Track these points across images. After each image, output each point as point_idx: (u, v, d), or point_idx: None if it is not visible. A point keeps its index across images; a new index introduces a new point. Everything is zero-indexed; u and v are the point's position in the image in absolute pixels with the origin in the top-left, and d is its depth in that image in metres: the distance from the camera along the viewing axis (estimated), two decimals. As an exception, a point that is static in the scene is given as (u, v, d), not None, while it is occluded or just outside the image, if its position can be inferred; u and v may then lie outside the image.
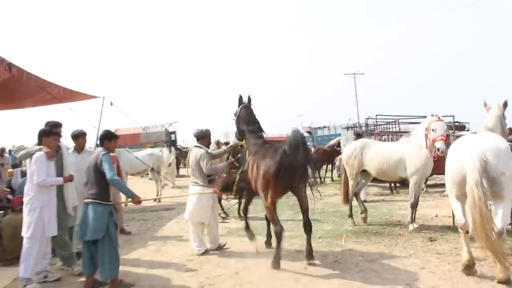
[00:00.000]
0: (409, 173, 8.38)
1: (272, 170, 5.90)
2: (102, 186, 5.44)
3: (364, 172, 9.32)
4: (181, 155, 28.44)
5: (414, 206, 8.41)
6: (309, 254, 6.29)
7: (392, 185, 14.75)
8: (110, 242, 5.40)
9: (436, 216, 9.77)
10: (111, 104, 13.05)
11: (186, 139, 40.83)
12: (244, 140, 7.29)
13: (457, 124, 16.19)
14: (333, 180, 19.19)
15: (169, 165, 16.42)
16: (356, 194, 9.55)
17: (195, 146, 7.31)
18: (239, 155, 7.92)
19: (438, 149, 7.70)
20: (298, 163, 5.83)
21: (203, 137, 7.36)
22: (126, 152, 13.55)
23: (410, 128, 18.49)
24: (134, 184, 16.73)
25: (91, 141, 10.27)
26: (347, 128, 21.80)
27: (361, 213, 9.30)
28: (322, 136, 32.32)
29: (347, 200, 9.52)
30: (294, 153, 5.78)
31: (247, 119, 7.09)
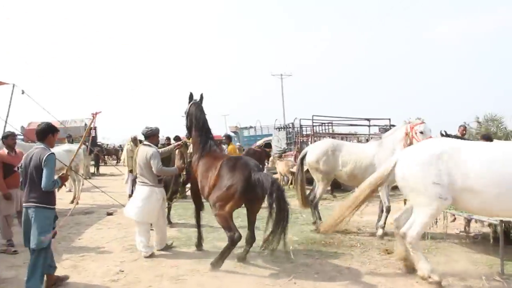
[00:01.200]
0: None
1: (240, 186, 5.85)
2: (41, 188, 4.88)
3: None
4: (102, 153, 26.55)
5: (388, 210, 8.01)
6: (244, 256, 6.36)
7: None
8: (43, 251, 4.95)
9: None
10: (23, 93, 11.47)
11: (107, 136, 38.61)
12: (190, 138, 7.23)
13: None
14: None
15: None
16: (317, 203, 8.90)
17: (144, 144, 7.06)
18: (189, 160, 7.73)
19: None
20: (260, 184, 5.81)
21: (153, 136, 7.12)
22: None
23: (345, 130, 18.25)
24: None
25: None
26: (279, 128, 21.17)
27: (314, 222, 8.73)
28: (249, 137, 31.69)
29: (306, 204, 8.83)
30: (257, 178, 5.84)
31: (196, 117, 6.97)
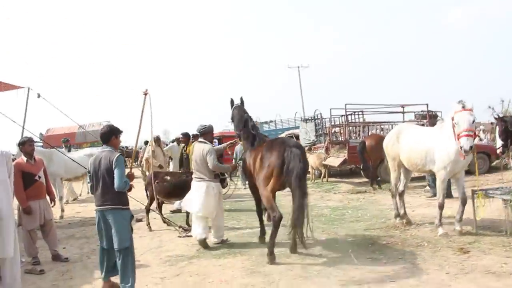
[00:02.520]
0: (436, 167, 6.91)
1: (275, 163, 6.16)
2: (116, 191, 4.92)
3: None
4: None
5: (441, 206, 6.99)
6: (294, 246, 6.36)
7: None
8: (129, 250, 5.02)
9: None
10: (39, 96, 10.80)
11: (126, 139, 38.01)
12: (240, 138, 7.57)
13: (431, 113, 14.99)
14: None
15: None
16: (400, 194, 8.17)
17: (199, 141, 7.29)
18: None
19: (461, 148, 6.30)
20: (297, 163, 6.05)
21: (207, 133, 7.35)
22: (60, 153, 11.20)
23: (377, 118, 17.22)
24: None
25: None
26: (306, 120, 20.18)
27: (401, 217, 8.05)
28: (269, 131, 30.84)
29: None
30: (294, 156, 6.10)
31: (240, 118, 7.34)
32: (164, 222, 8.89)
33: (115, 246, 4.94)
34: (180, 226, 8.56)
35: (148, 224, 8.78)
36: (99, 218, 5.06)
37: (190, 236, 7.70)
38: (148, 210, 8.86)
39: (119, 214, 4.98)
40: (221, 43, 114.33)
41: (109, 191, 4.94)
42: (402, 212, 8.03)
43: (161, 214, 9.05)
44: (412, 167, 7.66)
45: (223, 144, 8.48)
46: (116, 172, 4.89)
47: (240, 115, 7.35)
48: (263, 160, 6.40)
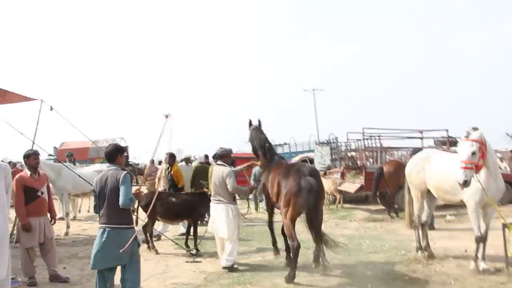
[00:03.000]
0: (465, 196, 6.44)
1: (294, 190, 6.35)
2: (123, 209, 4.92)
3: (428, 194, 7.49)
4: (134, 172, 25.75)
5: (479, 240, 6.38)
6: (317, 258, 6.81)
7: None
8: (136, 267, 5.06)
9: (466, 251, 7.78)
10: (51, 109, 10.53)
11: (137, 155, 37.90)
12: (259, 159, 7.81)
13: (451, 139, 14.48)
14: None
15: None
16: (423, 225, 7.65)
17: (218, 164, 7.41)
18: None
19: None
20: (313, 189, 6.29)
21: (227, 156, 7.46)
22: (68, 168, 10.89)
23: (394, 143, 16.71)
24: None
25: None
26: (321, 143, 19.73)
27: (423, 250, 7.49)
28: (283, 154, 30.27)
29: (410, 223, 7.91)
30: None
31: (258, 139, 7.58)
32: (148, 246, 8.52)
33: (112, 264, 4.96)
34: (188, 250, 8.18)
35: (153, 247, 8.38)
36: (102, 236, 4.94)
37: (199, 261, 7.31)
38: (146, 232, 8.50)
39: (123, 233, 4.93)
40: (235, 64, 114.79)
41: (115, 210, 4.90)
42: (424, 244, 7.51)
43: (148, 237, 8.63)
44: (442, 196, 7.20)
45: (240, 167, 8.38)
46: (122, 189, 4.86)
47: (259, 137, 7.56)
48: (280, 187, 6.63)
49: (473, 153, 5.89)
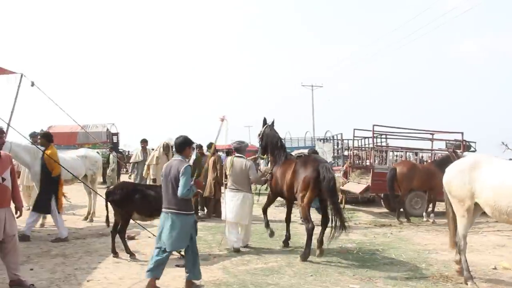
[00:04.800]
0: None
1: (311, 176, 7.24)
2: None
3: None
4: (123, 160, 24.64)
5: None
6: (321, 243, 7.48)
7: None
8: (195, 248, 5.57)
9: (495, 268, 6.80)
10: (32, 85, 9.43)
11: (128, 143, 36.65)
12: (265, 154, 8.81)
13: (465, 143, 13.50)
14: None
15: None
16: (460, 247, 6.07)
17: (238, 156, 8.11)
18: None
19: None
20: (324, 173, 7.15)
21: (243, 150, 8.31)
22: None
23: (401, 144, 15.70)
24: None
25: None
26: (323, 140, 18.77)
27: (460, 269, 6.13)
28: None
29: (454, 244, 6.29)
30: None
31: (271, 136, 8.52)
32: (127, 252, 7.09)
33: (170, 248, 5.33)
34: (179, 252, 7.13)
35: (128, 252, 7.12)
36: (164, 220, 5.42)
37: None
38: (114, 232, 7.08)
39: (181, 219, 5.34)
40: (232, 58, 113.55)
41: (175, 197, 5.34)
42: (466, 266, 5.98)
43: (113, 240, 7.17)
44: (498, 217, 5.67)
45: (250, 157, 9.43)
46: (181, 180, 5.27)
47: (273, 135, 8.53)
48: (296, 174, 7.52)
49: None
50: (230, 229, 7.88)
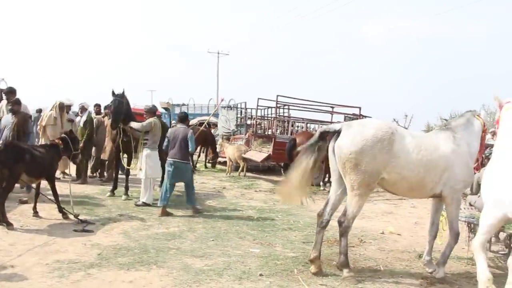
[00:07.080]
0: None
1: None
2: (185, 151, 8.15)
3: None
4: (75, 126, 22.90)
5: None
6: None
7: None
8: (191, 184, 8.40)
9: (383, 232, 7.44)
10: None
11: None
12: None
13: (363, 117, 14.34)
14: (206, 167, 16.44)
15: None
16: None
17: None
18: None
19: None
20: None
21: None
22: None
23: (300, 115, 16.29)
24: None
25: None
26: (227, 108, 18.89)
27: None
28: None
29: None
30: None
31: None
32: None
33: (185, 182, 8.25)
34: (75, 215, 6.88)
35: (35, 209, 6.91)
36: (172, 165, 7.99)
37: (91, 232, 6.15)
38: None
39: (186, 165, 8.25)
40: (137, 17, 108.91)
41: (181, 151, 8.01)
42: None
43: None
44: (410, 194, 5.48)
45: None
46: (191, 140, 8.09)
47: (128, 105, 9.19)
48: None
49: None
50: (146, 187, 8.78)
